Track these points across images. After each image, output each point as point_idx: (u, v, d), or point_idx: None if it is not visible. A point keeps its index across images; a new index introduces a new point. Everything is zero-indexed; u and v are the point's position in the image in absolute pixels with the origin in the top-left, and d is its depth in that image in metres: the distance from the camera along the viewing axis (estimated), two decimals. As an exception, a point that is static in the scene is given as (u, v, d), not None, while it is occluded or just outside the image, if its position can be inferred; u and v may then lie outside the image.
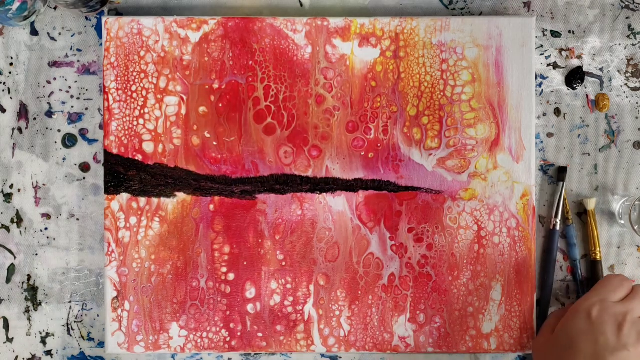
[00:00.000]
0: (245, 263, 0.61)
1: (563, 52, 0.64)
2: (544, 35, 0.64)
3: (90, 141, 0.64)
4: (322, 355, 0.64)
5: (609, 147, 0.63)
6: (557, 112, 0.64)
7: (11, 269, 0.63)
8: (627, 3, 0.64)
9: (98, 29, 0.64)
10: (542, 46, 0.64)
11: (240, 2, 0.64)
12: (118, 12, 0.64)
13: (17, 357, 0.63)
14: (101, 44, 0.63)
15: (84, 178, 0.64)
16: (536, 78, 0.63)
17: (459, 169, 0.61)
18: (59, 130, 0.64)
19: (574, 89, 0.63)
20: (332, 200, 0.61)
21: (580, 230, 0.63)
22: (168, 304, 0.61)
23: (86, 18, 0.64)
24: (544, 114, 0.63)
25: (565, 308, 0.60)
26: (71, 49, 0.64)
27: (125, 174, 0.61)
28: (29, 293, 0.63)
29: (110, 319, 0.61)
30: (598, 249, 0.62)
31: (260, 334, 0.61)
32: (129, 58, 0.61)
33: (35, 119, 0.63)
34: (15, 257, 0.63)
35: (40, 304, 0.63)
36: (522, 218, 0.61)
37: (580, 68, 0.63)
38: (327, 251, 0.61)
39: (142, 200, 0.61)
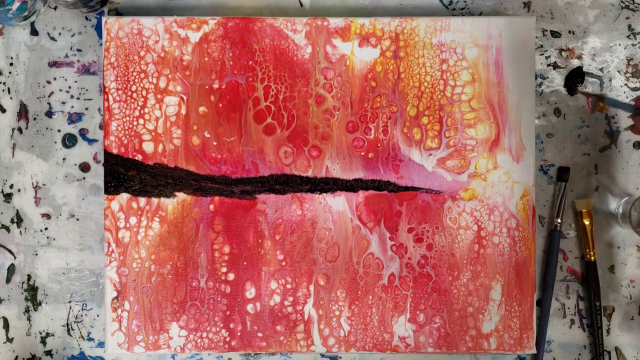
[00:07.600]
0: (245, 263, 0.61)
1: (563, 52, 0.64)
2: (544, 35, 0.64)
3: (90, 141, 0.64)
4: (322, 355, 0.64)
5: (609, 147, 0.63)
6: (557, 112, 0.64)
7: (11, 269, 0.63)
8: (627, 3, 0.63)
9: (98, 29, 0.64)
10: (542, 46, 0.64)
11: (240, 2, 0.64)
12: (118, 12, 0.64)
13: (17, 357, 0.63)
14: (101, 44, 0.63)
15: (84, 178, 0.64)
16: (536, 78, 0.63)
17: (459, 169, 0.61)
18: (59, 130, 0.63)
19: (573, 94, 0.63)
20: (332, 200, 0.61)
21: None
22: (168, 304, 0.61)
23: (86, 18, 0.64)
24: (544, 114, 0.63)
25: None
26: (71, 49, 0.64)
27: (125, 174, 0.61)
28: (29, 293, 0.63)
29: (110, 319, 0.61)
30: (592, 251, 0.62)
31: (260, 334, 0.61)
32: (129, 58, 0.61)
33: (35, 119, 0.63)
34: (15, 257, 0.63)
35: (40, 304, 0.63)
36: (522, 218, 0.61)
37: (580, 68, 0.63)
38: (327, 251, 0.61)
39: (142, 200, 0.61)
